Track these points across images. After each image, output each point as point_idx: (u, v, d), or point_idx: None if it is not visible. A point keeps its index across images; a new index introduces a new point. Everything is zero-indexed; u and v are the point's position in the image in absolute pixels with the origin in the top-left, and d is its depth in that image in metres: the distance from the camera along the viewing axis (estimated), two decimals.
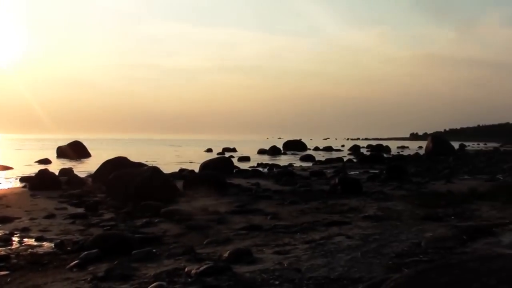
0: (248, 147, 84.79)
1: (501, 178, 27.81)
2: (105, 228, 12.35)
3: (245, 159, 50.40)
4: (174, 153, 69.92)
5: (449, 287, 4.64)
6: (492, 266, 5.01)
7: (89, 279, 7.66)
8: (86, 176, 27.04)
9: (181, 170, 32.54)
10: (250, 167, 38.70)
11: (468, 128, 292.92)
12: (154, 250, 9.48)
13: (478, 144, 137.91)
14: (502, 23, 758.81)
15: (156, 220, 13.24)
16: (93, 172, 26.34)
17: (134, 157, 30.67)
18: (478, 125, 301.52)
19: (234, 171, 32.13)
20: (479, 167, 38.61)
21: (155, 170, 19.33)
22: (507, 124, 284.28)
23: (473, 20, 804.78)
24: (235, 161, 41.84)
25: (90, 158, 51.51)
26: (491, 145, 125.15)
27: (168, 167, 33.40)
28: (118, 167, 20.92)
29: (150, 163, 32.02)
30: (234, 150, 76.34)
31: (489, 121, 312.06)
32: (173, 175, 26.71)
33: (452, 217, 12.82)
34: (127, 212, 14.65)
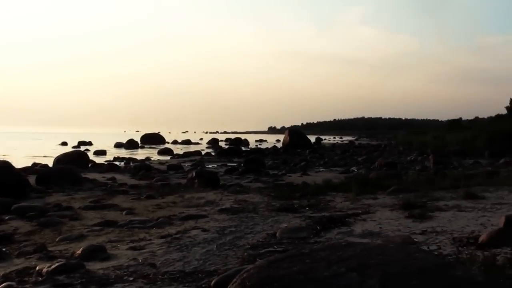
0: (105, 141, 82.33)
1: (355, 170, 29.39)
2: None
3: (101, 153, 49.07)
4: (27, 146, 66.26)
5: (300, 276, 4.67)
6: (343, 254, 5.14)
7: None
8: None
9: (34, 164, 31.05)
10: (106, 161, 37.76)
11: (325, 122, 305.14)
12: (4, 249, 8.93)
13: (335, 138, 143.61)
14: (360, 21, 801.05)
15: (7, 218, 12.42)
16: None
17: None
18: (335, 119, 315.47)
19: (90, 165, 31.33)
20: (335, 160, 40.53)
21: (5, 165, 18.20)
22: (362, 118, 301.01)
23: (332, 17, 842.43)
24: (90, 154, 40.68)
25: None
26: (347, 138, 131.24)
27: (20, 162, 31.77)
28: None
29: (0, 157, 30.03)
30: (90, 143, 74.07)
31: (345, 116, 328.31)
32: (25, 169, 25.26)
33: (307, 208, 13.17)
34: None
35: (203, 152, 51.60)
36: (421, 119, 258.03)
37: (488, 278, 4.91)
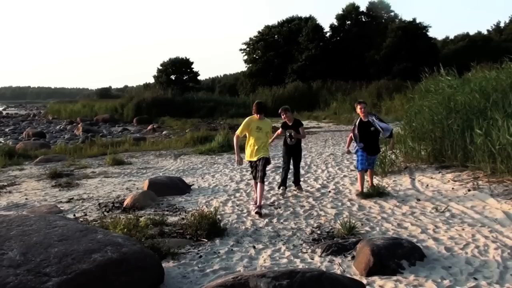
0: None
1: (2, 141, 27.74)
2: None
3: None
4: None
5: None
6: None
7: None
8: None
9: None
10: None
11: None
12: None
13: None
14: None
15: None
16: None
17: None
18: None
19: None
20: None
21: None
22: (10, 87, 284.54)
23: None
24: None
25: None
26: None
27: None
28: None
29: None
30: None
31: None
32: None
33: None
34: None
35: None
36: (71, 88, 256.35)
37: (128, 239, 5.17)
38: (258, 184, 8.66)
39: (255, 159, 8.75)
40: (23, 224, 4.99)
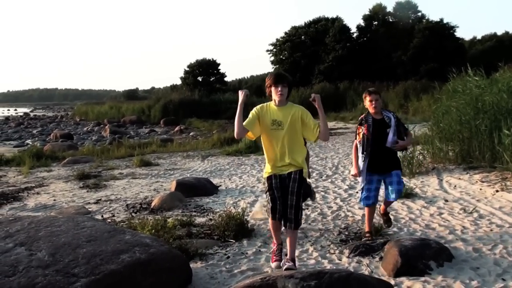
0: None
1: (30, 143, 28.12)
2: None
3: None
4: None
5: None
6: (10, 230, 4.95)
7: None
8: None
9: None
10: None
11: None
12: None
13: (9, 110, 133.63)
14: None
15: None
16: None
17: None
18: (8, 90, 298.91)
19: None
20: (8, 133, 38.13)
21: None
22: (38, 89, 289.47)
23: None
24: None
25: None
26: (22, 110, 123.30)
27: None
28: None
29: None
30: None
31: (19, 86, 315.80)
32: None
33: None
34: None
35: None
36: (98, 89, 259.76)
37: (156, 240, 5.21)
38: (289, 232, 5.31)
39: (279, 172, 5.26)
40: (51, 225, 5.06)
